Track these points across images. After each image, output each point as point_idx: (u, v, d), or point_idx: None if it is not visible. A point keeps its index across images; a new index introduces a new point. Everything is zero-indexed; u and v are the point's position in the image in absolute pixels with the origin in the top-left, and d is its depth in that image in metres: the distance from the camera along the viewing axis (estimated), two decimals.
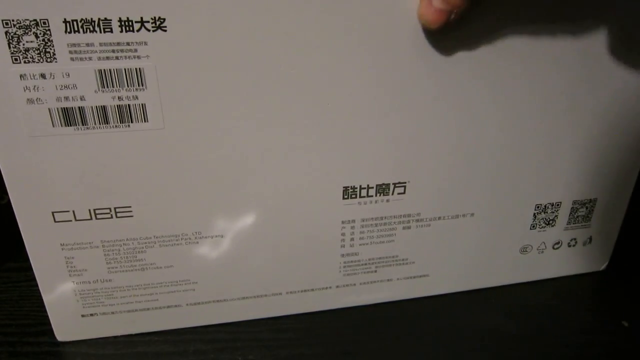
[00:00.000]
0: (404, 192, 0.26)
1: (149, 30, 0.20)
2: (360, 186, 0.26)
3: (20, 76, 0.20)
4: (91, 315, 0.26)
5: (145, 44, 0.20)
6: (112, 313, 0.26)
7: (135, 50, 0.20)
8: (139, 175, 0.23)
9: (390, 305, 0.30)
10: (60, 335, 0.26)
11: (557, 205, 0.29)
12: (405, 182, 0.26)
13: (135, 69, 0.21)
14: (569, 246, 0.31)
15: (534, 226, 0.30)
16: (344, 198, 0.26)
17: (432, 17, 0.21)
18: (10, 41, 0.19)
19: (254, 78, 0.22)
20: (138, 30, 0.20)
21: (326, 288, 0.28)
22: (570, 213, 0.30)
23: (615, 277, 0.33)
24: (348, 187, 0.26)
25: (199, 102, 0.22)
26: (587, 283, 0.32)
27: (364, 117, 0.24)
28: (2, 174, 0.22)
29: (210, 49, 0.21)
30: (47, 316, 0.27)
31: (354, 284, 0.29)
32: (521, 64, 0.24)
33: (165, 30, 0.20)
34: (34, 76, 0.20)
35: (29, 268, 0.30)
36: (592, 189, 0.29)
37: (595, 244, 0.31)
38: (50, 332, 0.27)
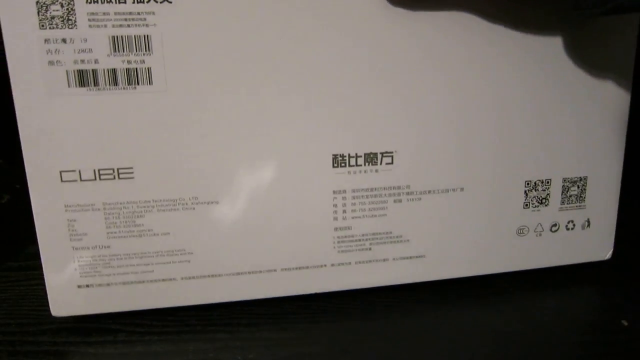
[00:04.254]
0: (392, 163, 0.28)
1: (157, 2, 0.24)
2: (349, 154, 0.27)
3: (45, 40, 0.23)
4: (87, 286, 0.26)
5: (153, 13, 0.24)
6: (108, 285, 0.27)
7: (145, 19, 0.24)
8: (142, 136, 0.25)
9: (389, 304, 0.30)
10: (55, 309, 0.27)
11: (547, 182, 0.30)
12: (392, 152, 0.27)
13: (144, 35, 0.24)
14: (567, 229, 0.31)
15: (527, 205, 0.30)
16: (333, 166, 0.27)
17: None
18: (40, 9, 0.23)
19: (249, 47, 0.25)
20: (147, 2, 0.24)
21: (321, 266, 0.28)
22: (563, 192, 0.30)
23: (615, 277, 0.33)
24: (337, 154, 0.27)
25: (199, 68, 0.25)
26: (587, 282, 0.32)
27: (350, 85, 0.26)
28: (19, 131, 0.24)
29: (209, 18, 0.24)
30: (47, 316, 0.27)
31: (349, 263, 0.29)
32: (509, 39, 0.27)
33: (170, 2, 0.24)
34: (56, 40, 0.23)
35: (29, 267, 0.31)
36: (581, 167, 0.30)
37: (594, 229, 0.31)
38: (50, 331, 0.27)
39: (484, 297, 0.31)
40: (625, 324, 0.28)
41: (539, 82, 0.28)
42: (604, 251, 0.32)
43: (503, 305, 0.30)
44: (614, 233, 0.31)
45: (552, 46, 0.27)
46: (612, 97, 0.29)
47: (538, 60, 0.27)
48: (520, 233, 0.30)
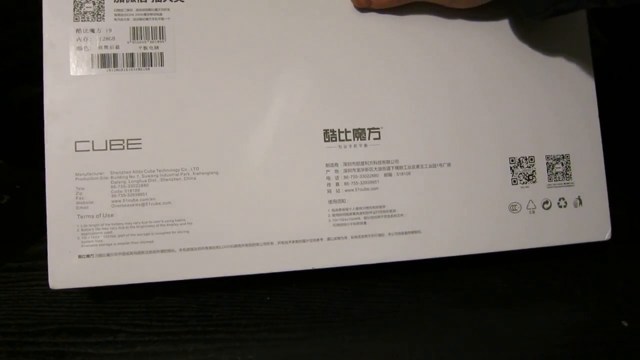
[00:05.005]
0: (379, 138, 0.30)
1: (171, 1, 0.29)
2: (339, 129, 0.29)
3: (76, 30, 0.28)
4: (88, 256, 0.27)
5: (168, 9, 0.29)
6: (108, 255, 0.27)
7: (161, 14, 0.28)
8: (151, 111, 0.28)
9: (389, 304, 0.30)
10: (54, 282, 0.27)
11: (531, 159, 0.31)
12: (379, 128, 0.30)
13: (159, 27, 0.28)
14: (560, 207, 0.31)
15: (515, 181, 0.31)
16: (325, 140, 0.29)
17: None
18: (75, 6, 0.28)
19: (248, 35, 0.29)
20: (164, 0, 0.29)
21: (317, 240, 0.29)
22: (548, 169, 0.31)
23: (615, 277, 0.33)
24: (328, 130, 0.29)
25: (204, 53, 0.29)
26: (587, 282, 0.32)
27: (339, 64, 0.29)
28: (44, 106, 0.27)
29: (214, 13, 0.29)
30: (47, 316, 0.28)
31: (345, 237, 0.29)
32: (491, 26, 0.31)
33: (183, 1, 0.29)
34: (86, 30, 0.28)
35: (29, 268, 0.32)
36: (562, 144, 0.31)
37: (588, 207, 0.32)
38: (49, 331, 0.27)
39: (484, 297, 0.31)
40: (625, 324, 0.29)
41: (517, 66, 0.31)
42: (601, 231, 0.32)
43: (503, 305, 0.30)
44: (608, 212, 0.32)
45: (528, 33, 0.31)
46: (579, 80, 0.32)
47: (517, 44, 0.31)
48: (513, 210, 0.31)
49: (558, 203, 0.31)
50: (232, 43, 0.29)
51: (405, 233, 0.30)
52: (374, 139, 0.30)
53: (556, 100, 0.32)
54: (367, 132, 0.30)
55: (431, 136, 0.30)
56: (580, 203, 0.32)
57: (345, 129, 0.30)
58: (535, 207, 0.31)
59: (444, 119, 0.30)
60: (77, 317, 0.28)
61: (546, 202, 0.31)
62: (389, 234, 0.30)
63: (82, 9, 0.28)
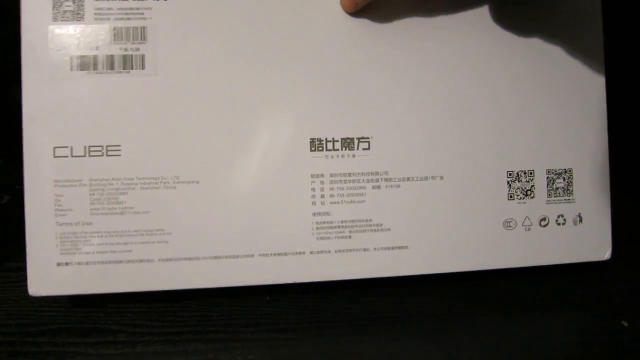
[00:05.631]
0: (369, 148, 0.28)
1: None
2: (326, 139, 0.28)
3: (55, 31, 0.27)
4: (66, 264, 0.27)
5: (150, 9, 0.27)
6: (87, 264, 0.27)
7: (142, 13, 0.27)
8: (131, 116, 0.27)
9: (388, 303, 0.30)
10: (33, 289, 0.27)
11: (530, 173, 0.30)
12: (368, 138, 0.28)
13: (140, 27, 0.27)
14: (558, 224, 0.30)
15: (511, 196, 0.29)
16: (311, 150, 0.28)
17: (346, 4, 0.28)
18: (54, 5, 0.27)
19: (232, 39, 0.28)
20: None
21: (300, 253, 0.28)
22: (548, 184, 0.30)
23: (615, 277, 0.32)
24: (315, 139, 0.28)
25: (187, 56, 0.27)
26: (587, 282, 0.31)
27: (328, 70, 0.28)
28: (22, 110, 0.27)
29: (198, 14, 0.27)
30: (47, 316, 0.28)
31: (329, 251, 0.28)
32: (490, 32, 0.29)
33: (165, 0, 0.27)
34: (65, 31, 0.27)
35: None
36: (565, 158, 0.30)
37: (588, 225, 0.30)
38: (49, 331, 0.27)
39: (483, 297, 0.30)
40: (625, 324, 0.28)
41: (519, 72, 0.29)
42: (601, 250, 0.30)
43: (502, 305, 0.30)
44: (610, 231, 0.30)
45: (530, 40, 0.29)
46: (589, 89, 0.30)
47: (518, 51, 0.29)
48: (508, 226, 0.29)
49: (556, 220, 0.30)
50: (216, 45, 0.28)
51: (392, 248, 0.29)
52: (363, 149, 0.28)
53: (562, 110, 0.30)
54: (356, 141, 0.28)
55: (424, 147, 0.29)
56: (580, 221, 0.30)
57: (333, 138, 0.28)
58: (532, 224, 0.30)
59: (440, 128, 0.29)
60: (77, 317, 0.29)
61: (543, 219, 0.30)
62: (375, 248, 0.29)
63: (62, 8, 0.27)
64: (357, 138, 0.28)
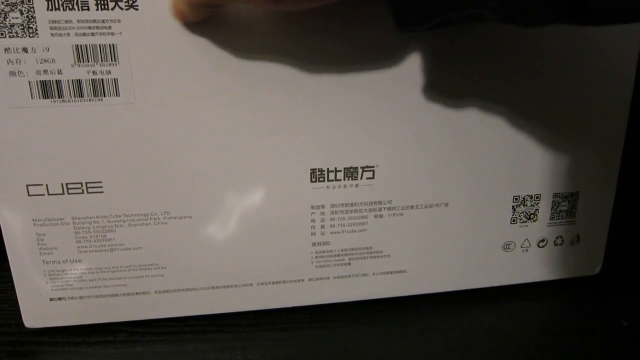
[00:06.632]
0: (373, 177, 0.26)
1: (122, 9, 0.22)
2: (328, 169, 0.26)
3: (5, 50, 0.22)
4: (60, 299, 0.26)
5: (119, 21, 0.22)
6: (81, 298, 0.26)
7: (110, 27, 0.22)
8: (110, 149, 0.24)
9: (389, 304, 0.30)
10: (28, 321, 0.26)
11: (537, 198, 0.29)
12: (373, 167, 0.26)
13: (109, 44, 0.22)
14: (556, 245, 0.30)
15: (514, 220, 0.29)
16: (312, 181, 0.26)
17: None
18: None
19: (221, 57, 0.23)
20: (112, 9, 0.22)
21: (298, 281, 0.28)
22: (552, 207, 0.29)
23: (615, 277, 0.32)
24: (315, 169, 0.26)
25: (169, 78, 0.23)
26: (586, 283, 0.31)
27: (329, 98, 0.25)
28: None
29: (176, 27, 0.23)
30: None
31: (328, 278, 0.28)
32: (495, 52, 0.25)
33: (137, 9, 0.22)
34: (17, 50, 0.22)
35: None
36: (573, 182, 0.28)
37: (584, 244, 0.30)
38: (49, 331, 0.27)
39: (483, 298, 0.30)
40: (625, 324, 0.28)
41: (527, 96, 0.26)
42: (593, 266, 0.31)
43: (502, 305, 0.30)
44: (604, 248, 0.30)
45: (539, 58, 0.26)
46: (605, 112, 0.27)
47: (527, 73, 0.26)
48: (507, 248, 0.29)
49: (554, 241, 0.30)
50: (202, 65, 0.23)
51: (390, 273, 0.29)
52: (367, 178, 0.26)
53: (573, 135, 0.27)
54: (360, 171, 0.26)
55: (431, 175, 0.27)
56: (578, 241, 0.30)
57: (336, 168, 0.26)
58: (530, 246, 0.30)
59: (446, 155, 0.27)
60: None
61: (542, 241, 0.30)
62: (374, 273, 0.28)
63: (8, 19, 0.22)
64: (361, 167, 0.26)
